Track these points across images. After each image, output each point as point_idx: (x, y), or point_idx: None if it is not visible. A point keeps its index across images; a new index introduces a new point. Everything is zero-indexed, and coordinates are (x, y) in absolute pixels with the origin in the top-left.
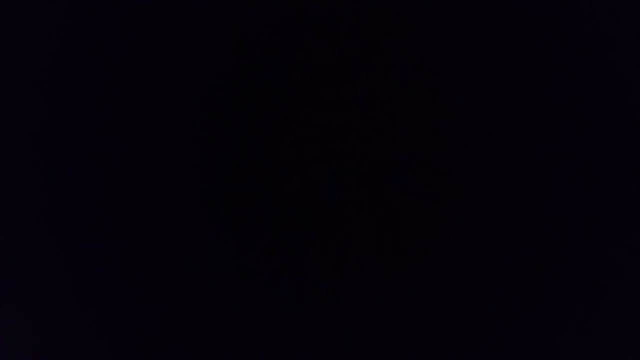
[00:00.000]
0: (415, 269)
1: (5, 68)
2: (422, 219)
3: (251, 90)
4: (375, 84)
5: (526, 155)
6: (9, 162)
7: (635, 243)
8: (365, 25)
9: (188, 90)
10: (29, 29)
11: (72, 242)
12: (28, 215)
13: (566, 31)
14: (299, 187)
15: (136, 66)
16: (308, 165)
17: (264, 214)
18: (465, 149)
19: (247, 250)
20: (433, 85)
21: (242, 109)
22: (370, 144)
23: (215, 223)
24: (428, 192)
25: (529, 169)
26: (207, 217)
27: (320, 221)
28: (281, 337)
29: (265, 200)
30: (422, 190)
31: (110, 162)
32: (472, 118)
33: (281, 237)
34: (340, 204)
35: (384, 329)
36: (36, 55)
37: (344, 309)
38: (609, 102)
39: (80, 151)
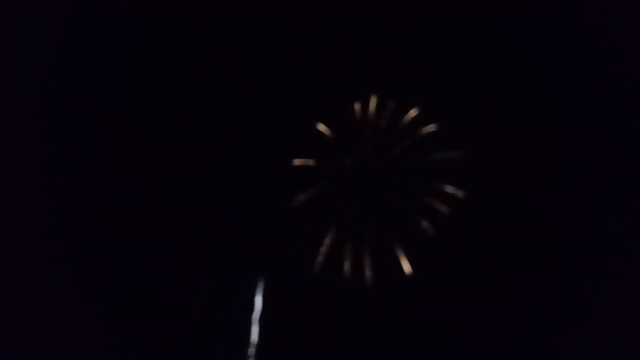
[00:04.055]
0: (416, 268)
1: (5, 68)
2: (422, 218)
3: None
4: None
5: (526, 155)
6: (9, 162)
7: (636, 243)
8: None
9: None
10: (28, 28)
11: (72, 242)
12: (28, 215)
13: (569, 35)
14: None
15: (135, 67)
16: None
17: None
18: (468, 151)
19: (247, 251)
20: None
21: (244, 113)
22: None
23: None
24: (428, 194)
25: (529, 170)
26: (207, 217)
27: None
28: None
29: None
30: (422, 191)
31: (109, 162)
32: (474, 120)
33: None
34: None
35: (384, 328)
36: (35, 56)
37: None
38: (610, 102)
39: (78, 151)
